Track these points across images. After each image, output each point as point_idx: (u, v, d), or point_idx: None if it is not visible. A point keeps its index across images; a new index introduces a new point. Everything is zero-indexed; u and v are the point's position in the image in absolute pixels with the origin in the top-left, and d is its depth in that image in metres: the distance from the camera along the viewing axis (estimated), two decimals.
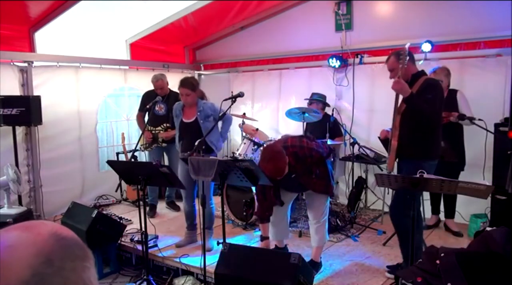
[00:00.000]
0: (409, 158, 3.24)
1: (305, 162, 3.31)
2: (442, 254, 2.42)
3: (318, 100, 5.18)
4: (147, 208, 5.24)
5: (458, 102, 4.17)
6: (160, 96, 4.71)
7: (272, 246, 3.72)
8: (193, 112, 4.06)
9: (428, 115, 3.13)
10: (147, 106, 4.69)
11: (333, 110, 5.14)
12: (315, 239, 3.60)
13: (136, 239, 4.18)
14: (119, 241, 4.17)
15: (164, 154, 5.44)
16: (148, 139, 5.09)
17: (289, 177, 3.27)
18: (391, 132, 3.35)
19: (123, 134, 5.83)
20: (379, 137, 4.52)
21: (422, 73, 3.31)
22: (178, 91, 5.24)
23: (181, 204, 4.58)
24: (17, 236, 0.61)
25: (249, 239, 4.41)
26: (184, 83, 4.03)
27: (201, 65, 7.09)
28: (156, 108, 5.01)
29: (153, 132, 5.09)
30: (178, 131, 4.13)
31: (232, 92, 5.91)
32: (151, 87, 5.24)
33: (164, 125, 5.08)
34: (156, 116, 5.04)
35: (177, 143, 4.15)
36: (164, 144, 5.09)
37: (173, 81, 6.41)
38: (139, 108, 5.34)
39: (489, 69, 4.49)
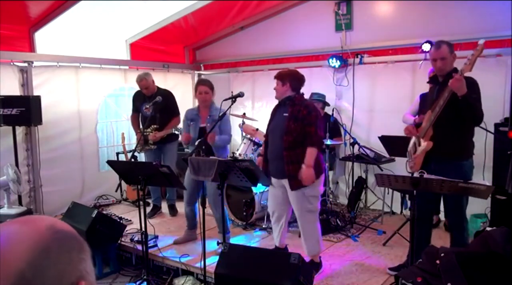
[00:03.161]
0: (452, 160, 3.06)
1: (300, 111, 3.37)
2: (442, 254, 2.42)
3: (318, 100, 5.18)
4: (149, 208, 5.24)
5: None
6: (160, 97, 4.68)
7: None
8: (206, 116, 4.14)
9: (481, 116, 2.98)
10: (147, 106, 4.68)
11: (333, 110, 5.14)
12: (304, 248, 3.55)
13: (136, 239, 4.18)
14: (119, 241, 4.17)
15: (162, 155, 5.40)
16: (140, 142, 4.93)
17: (283, 111, 3.46)
18: (423, 131, 3.16)
19: (123, 134, 5.83)
20: (379, 137, 4.53)
21: (456, 70, 3.07)
22: (167, 89, 5.24)
23: (182, 205, 4.57)
24: (15, 230, 0.64)
25: (249, 239, 4.41)
26: (204, 81, 4.23)
27: (201, 65, 7.09)
28: (144, 109, 4.85)
29: (145, 133, 4.95)
30: (196, 136, 4.11)
31: (232, 92, 5.91)
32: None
33: (153, 126, 4.94)
34: (144, 118, 4.91)
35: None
36: (153, 146, 4.99)
37: (173, 81, 6.46)
38: (132, 109, 5.32)
39: (489, 69, 4.48)
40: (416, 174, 3.13)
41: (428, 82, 3.44)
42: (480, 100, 3.03)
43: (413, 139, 3.34)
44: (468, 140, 3.16)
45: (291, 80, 3.48)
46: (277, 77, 3.55)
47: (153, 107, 4.77)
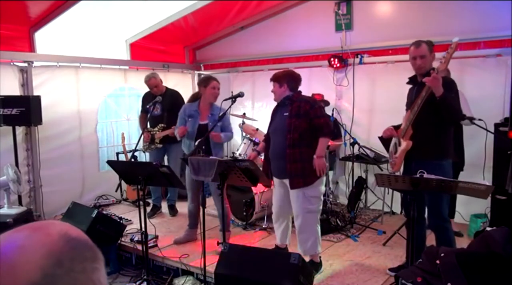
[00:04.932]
0: (433, 159, 3.06)
1: (301, 107, 3.35)
2: (442, 254, 2.42)
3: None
4: (149, 208, 5.23)
5: None
6: (160, 96, 4.69)
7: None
8: (207, 114, 4.11)
9: (459, 116, 3.02)
10: (148, 106, 4.68)
11: (333, 110, 5.14)
12: (299, 248, 3.51)
13: (136, 239, 4.18)
14: (119, 241, 4.17)
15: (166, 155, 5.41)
16: (146, 140, 5.02)
17: (284, 111, 3.45)
18: (403, 131, 3.19)
19: (123, 134, 5.83)
20: (379, 137, 4.51)
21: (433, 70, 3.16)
22: (175, 89, 5.28)
23: (181, 205, 4.57)
24: (27, 236, 0.61)
25: (249, 239, 4.41)
26: (214, 77, 4.22)
27: (201, 65, 7.09)
28: (151, 109, 4.86)
29: (151, 132, 5.03)
30: (195, 132, 4.09)
31: (232, 92, 5.91)
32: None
33: (160, 125, 4.98)
34: (152, 117, 4.92)
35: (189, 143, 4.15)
36: (159, 145, 5.02)
37: (173, 81, 6.45)
38: (141, 109, 5.36)
39: (489, 69, 4.48)
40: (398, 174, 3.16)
41: (407, 83, 3.45)
42: (458, 100, 3.06)
43: (394, 140, 3.36)
44: (447, 140, 3.15)
45: (288, 80, 3.49)
46: (273, 79, 3.55)
47: (160, 106, 4.79)
